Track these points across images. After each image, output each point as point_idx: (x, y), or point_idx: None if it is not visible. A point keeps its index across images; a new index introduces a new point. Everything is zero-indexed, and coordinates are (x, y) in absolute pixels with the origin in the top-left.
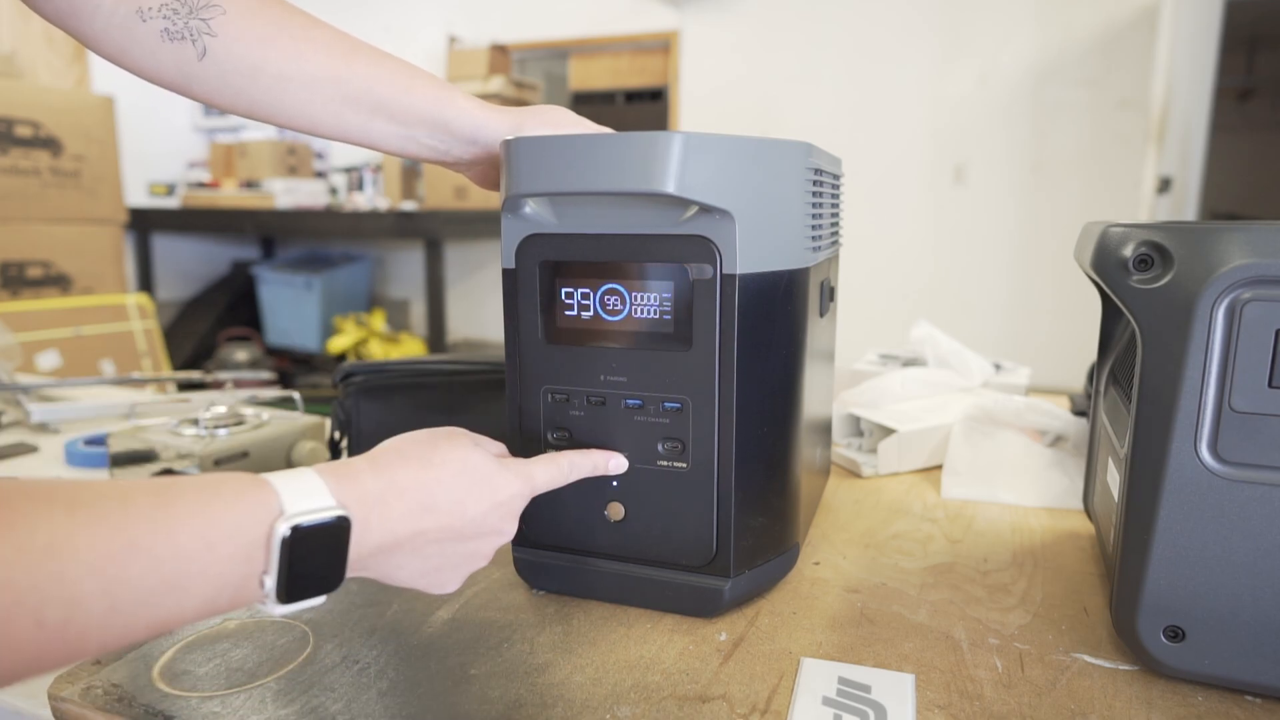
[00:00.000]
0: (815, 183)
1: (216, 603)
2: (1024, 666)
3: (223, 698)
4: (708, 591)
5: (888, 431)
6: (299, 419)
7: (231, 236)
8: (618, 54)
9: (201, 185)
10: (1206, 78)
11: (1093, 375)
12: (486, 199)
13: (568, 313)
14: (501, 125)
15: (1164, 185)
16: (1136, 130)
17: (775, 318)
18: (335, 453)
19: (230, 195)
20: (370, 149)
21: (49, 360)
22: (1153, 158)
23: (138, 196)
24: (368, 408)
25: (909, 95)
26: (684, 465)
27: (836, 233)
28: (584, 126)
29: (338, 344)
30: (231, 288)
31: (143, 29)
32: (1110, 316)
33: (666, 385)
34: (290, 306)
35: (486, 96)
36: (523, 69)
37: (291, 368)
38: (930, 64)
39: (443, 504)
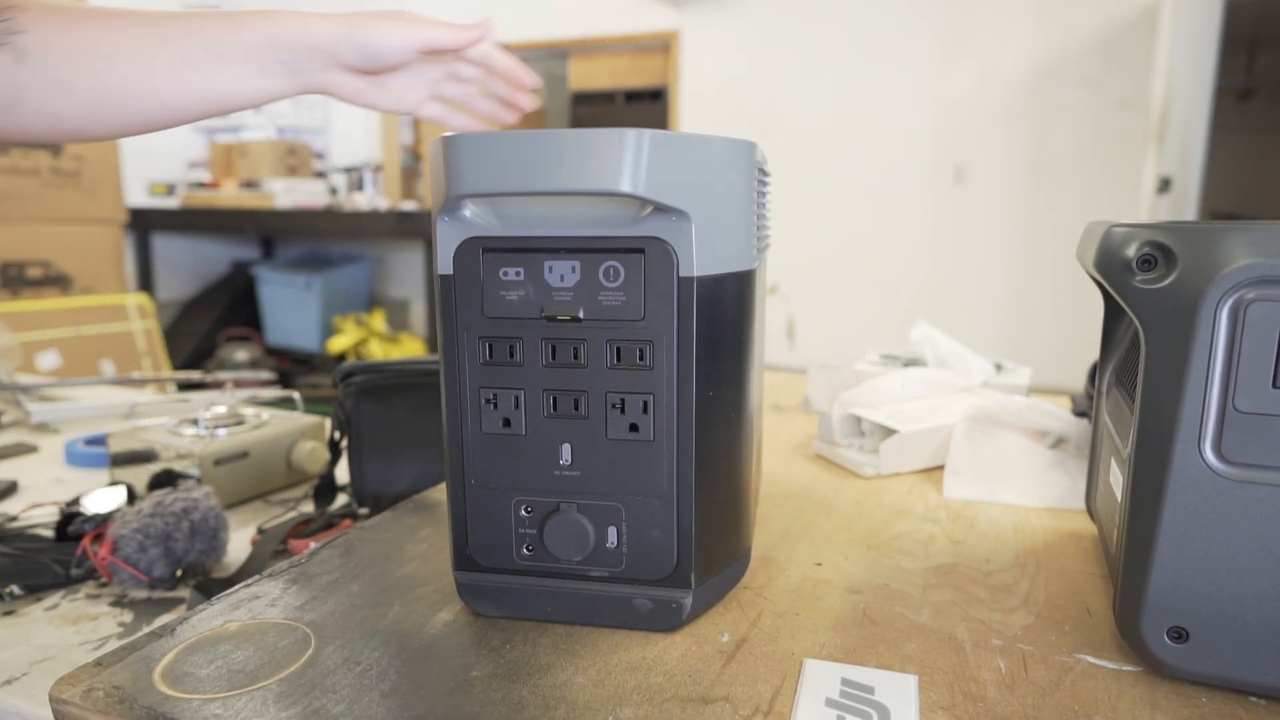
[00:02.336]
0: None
1: None
2: (1027, 668)
3: (224, 700)
4: None
5: (889, 432)
6: (299, 419)
7: (231, 236)
8: (618, 54)
9: (201, 185)
10: (1206, 78)
11: (1094, 376)
12: None
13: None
14: (330, 29)
15: (1164, 185)
16: (1136, 130)
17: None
18: (335, 453)
19: (230, 195)
20: (237, 108)
21: (49, 360)
22: (1153, 158)
23: (138, 196)
24: (368, 408)
25: (909, 95)
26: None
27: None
28: (432, 25)
29: (338, 344)
30: (231, 288)
31: None
32: (1113, 317)
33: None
34: (290, 306)
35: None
36: None
37: (291, 368)
38: (930, 64)
39: None
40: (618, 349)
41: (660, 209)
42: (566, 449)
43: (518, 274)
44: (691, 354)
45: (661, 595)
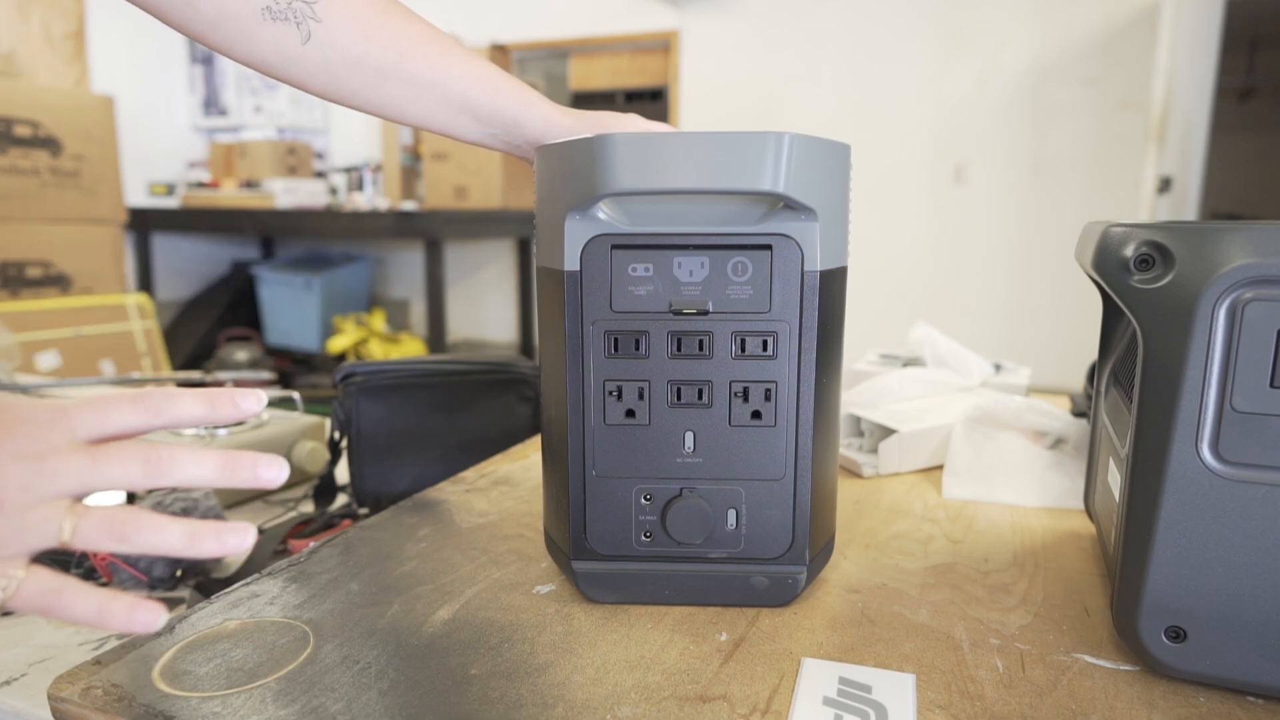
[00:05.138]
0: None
1: None
2: (1025, 667)
3: (223, 698)
4: None
5: (888, 431)
6: (299, 419)
7: (231, 236)
8: (618, 54)
9: (201, 185)
10: (1207, 77)
11: (1093, 375)
12: (486, 199)
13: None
14: (570, 127)
15: (1164, 185)
16: (1136, 130)
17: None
18: (335, 453)
19: (230, 195)
20: (445, 136)
21: (49, 360)
22: (1153, 158)
23: (137, 196)
24: (368, 408)
25: (909, 95)
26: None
27: None
28: (647, 127)
29: (338, 344)
30: (231, 288)
31: (240, 6)
32: (1111, 316)
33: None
34: (290, 306)
35: None
36: (523, 69)
37: (291, 368)
38: (930, 64)
39: None
40: (743, 340)
41: (792, 206)
42: (689, 437)
43: (646, 270)
44: (813, 343)
45: (778, 572)
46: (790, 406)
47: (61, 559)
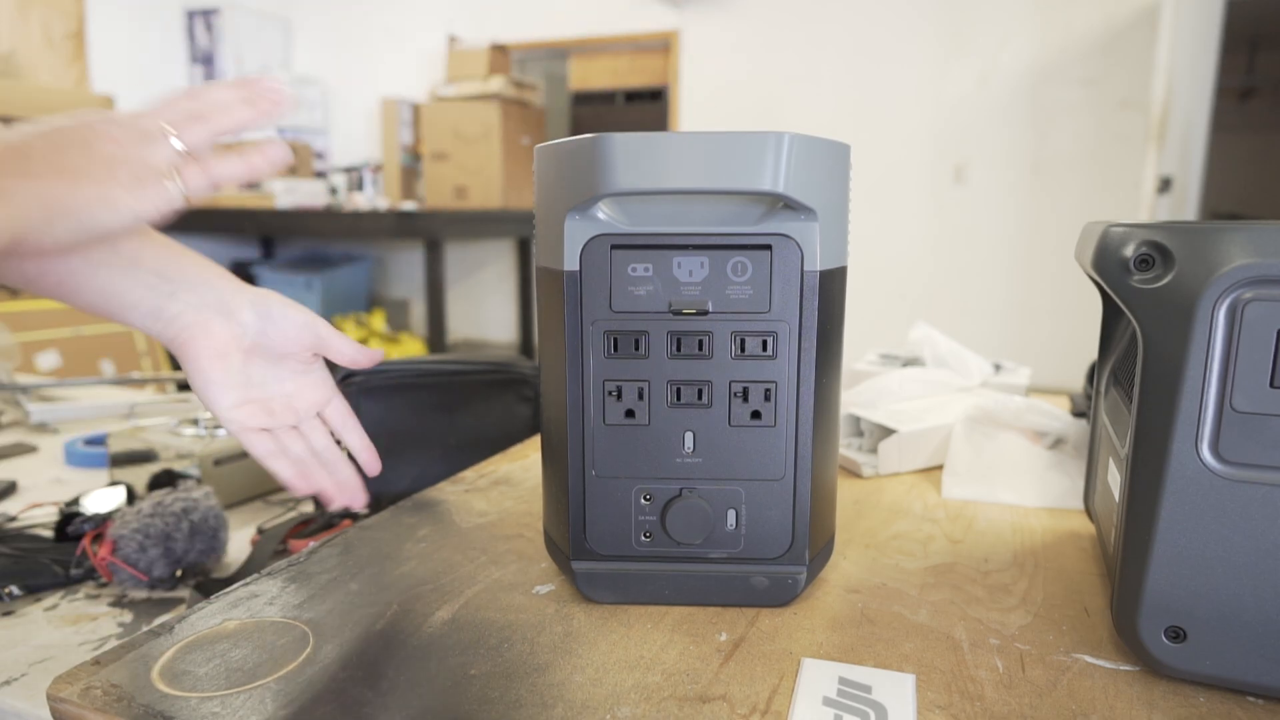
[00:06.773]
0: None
1: None
2: (1025, 667)
3: (223, 698)
4: None
5: (888, 431)
6: None
7: (231, 236)
8: (618, 54)
9: None
10: (1207, 77)
11: (1092, 375)
12: (486, 199)
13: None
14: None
15: (1164, 185)
16: (1136, 130)
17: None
18: None
19: (230, 195)
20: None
21: (49, 360)
22: (1153, 158)
23: None
24: (368, 408)
25: (909, 95)
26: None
27: None
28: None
29: None
30: None
31: None
32: (1111, 316)
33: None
34: None
35: (486, 96)
36: (523, 69)
37: None
38: (930, 64)
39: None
40: (742, 340)
41: (792, 207)
42: (689, 437)
43: (646, 269)
44: (812, 344)
45: (778, 572)
46: (790, 406)
47: (62, 560)
